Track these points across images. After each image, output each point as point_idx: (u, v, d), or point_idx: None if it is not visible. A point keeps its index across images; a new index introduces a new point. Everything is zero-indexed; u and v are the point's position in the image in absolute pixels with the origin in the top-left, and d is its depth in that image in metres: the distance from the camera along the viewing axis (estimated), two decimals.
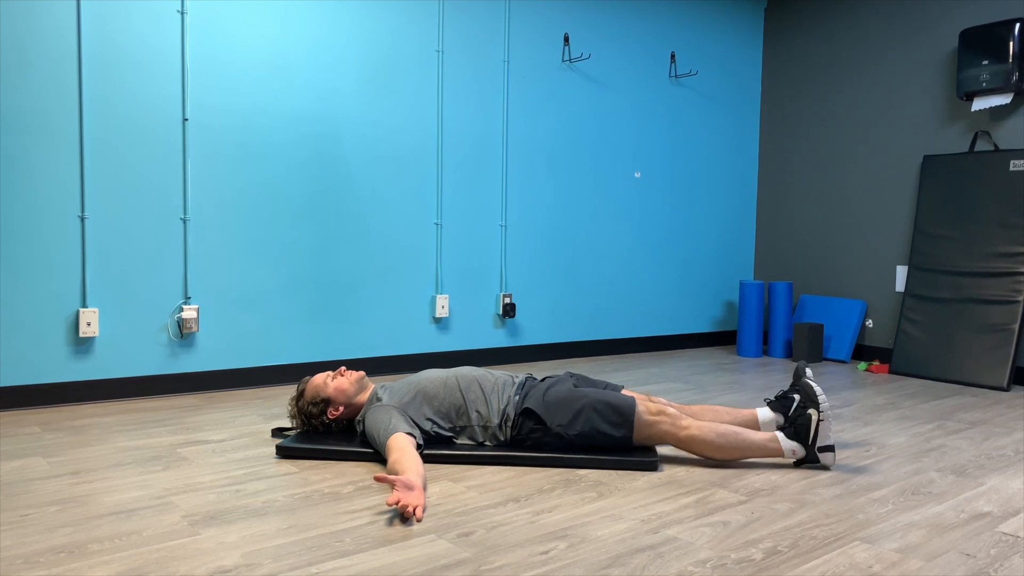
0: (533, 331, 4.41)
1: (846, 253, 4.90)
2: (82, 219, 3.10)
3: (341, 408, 2.53)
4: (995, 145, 4.18)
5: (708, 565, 1.67)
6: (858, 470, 2.41)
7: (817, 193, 5.05)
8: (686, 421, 2.38)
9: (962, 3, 4.32)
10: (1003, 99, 4.06)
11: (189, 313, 3.32)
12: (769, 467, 2.41)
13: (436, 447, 2.41)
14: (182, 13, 3.27)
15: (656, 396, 2.70)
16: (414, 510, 1.87)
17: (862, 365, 4.43)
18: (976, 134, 4.24)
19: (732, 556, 1.72)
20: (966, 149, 4.31)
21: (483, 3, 4.10)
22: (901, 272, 4.60)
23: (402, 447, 2.16)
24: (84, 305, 3.12)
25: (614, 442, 2.39)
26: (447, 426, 2.46)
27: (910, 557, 1.73)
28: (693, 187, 5.08)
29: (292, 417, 2.58)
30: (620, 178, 4.73)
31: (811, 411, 2.35)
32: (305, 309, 3.65)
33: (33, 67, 2.97)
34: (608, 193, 4.68)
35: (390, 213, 3.87)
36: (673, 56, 4.91)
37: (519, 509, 2.00)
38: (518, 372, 3.80)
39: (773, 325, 4.86)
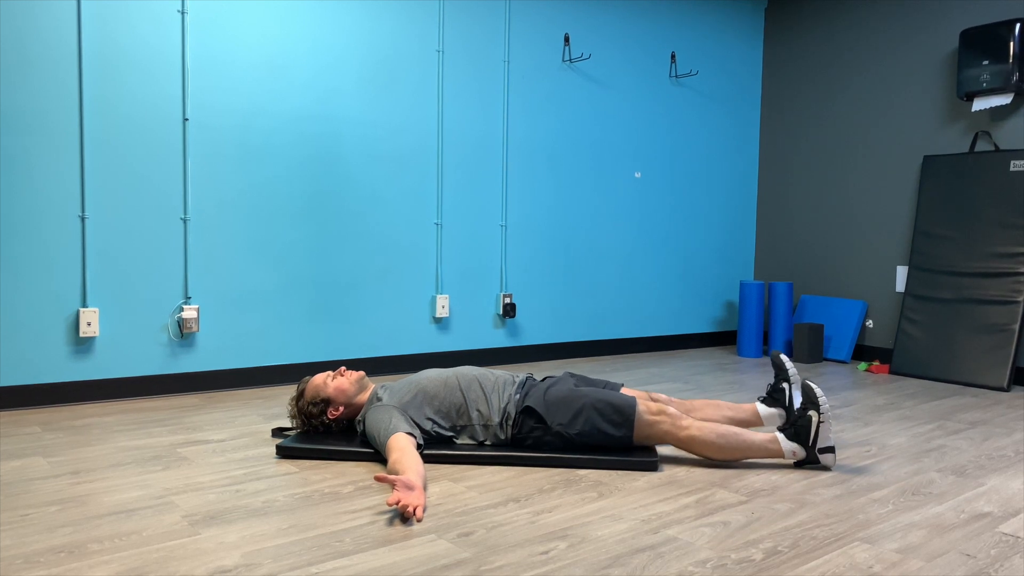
0: (533, 331, 4.41)
1: (846, 253, 4.90)
2: (82, 219, 3.10)
3: (341, 408, 2.53)
4: (995, 145, 4.18)
5: (708, 565, 1.67)
6: (858, 470, 2.41)
7: (817, 193, 5.05)
8: (686, 421, 2.38)
9: (962, 3, 4.32)
10: (1003, 99, 4.06)
11: (189, 313, 3.32)
12: (769, 467, 2.41)
13: (436, 447, 2.41)
14: (182, 13, 3.27)
15: (656, 393, 2.70)
16: (414, 510, 1.87)
17: (862, 365, 4.43)
18: (976, 134, 4.24)
19: (732, 556, 1.72)
20: (966, 149, 4.31)
21: (483, 3, 4.10)
22: (901, 272, 4.60)
23: (402, 447, 2.16)
24: (84, 305, 3.12)
25: (614, 441, 2.39)
26: (448, 425, 2.46)
27: (910, 557, 1.73)
28: (693, 187, 5.08)
29: (292, 417, 2.58)
30: (620, 178, 4.73)
31: (811, 412, 2.36)
32: (305, 309, 3.65)
33: (33, 67, 2.97)
34: (608, 193, 4.68)
35: (390, 213, 3.87)
36: (673, 56, 4.91)
37: (519, 509, 2.00)
38: (518, 372, 3.80)
39: (773, 325, 4.86)
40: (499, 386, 2.50)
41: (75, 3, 3.03)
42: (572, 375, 2.66)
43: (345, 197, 3.73)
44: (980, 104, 4.15)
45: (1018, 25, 3.94)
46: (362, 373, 2.59)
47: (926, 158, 4.43)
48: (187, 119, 3.30)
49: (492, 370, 2.60)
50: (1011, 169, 4.06)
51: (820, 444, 2.36)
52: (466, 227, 4.13)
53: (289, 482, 2.18)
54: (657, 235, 4.93)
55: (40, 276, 3.03)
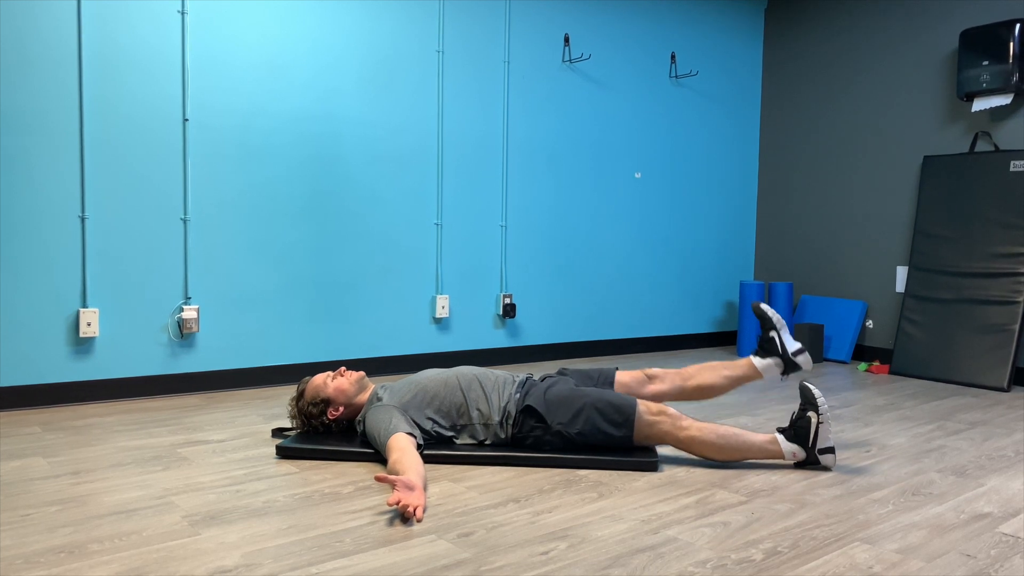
0: (533, 331, 4.41)
1: (846, 253, 4.90)
2: (82, 219, 3.10)
3: (341, 408, 2.53)
4: (995, 146, 4.18)
5: (708, 566, 1.67)
6: (858, 471, 2.41)
7: (817, 193, 5.05)
8: (686, 422, 2.38)
9: (962, 4, 4.32)
10: (1003, 100, 4.06)
11: (189, 313, 3.32)
12: (769, 468, 2.41)
13: (436, 447, 2.41)
14: (182, 13, 3.27)
15: (652, 369, 2.70)
16: (414, 510, 1.87)
17: (862, 366, 4.43)
18: (976, 135, 4.24)
19: (732, 556, 1.72)
20: (966, 150, 4.31)
21: (483, 3, 4.10)
22: (901, 272, 4.60)
23: (403, 447, 2.16)
24: (84, 305, 3.12)
25: (614, 441, 2.39)
26: (448, 425, 2.46)
27: (910, 558, 1.73)
28: (693, 187, 5.08)
29: (292, 417, 2.58)
30: (620, 178, 4.73)
31: (810, 413, 2.36)
32: (305, 309, 3.65)
33: (33, 67, 2.97)
34: (608, 193, 4.68)
35: (390, 213, 3.87)
36: (673, 56, 4.91)
37: (519, 509, 2.00)
38: (519, 372, 3.80)
39: None
40: (499, 385, 2.50)
41: (75, 3, 3.03)
42: (565, 371, 2.66)
43: (345, 197, 3.73)
44: (980, 104, 4.15)
45: (1018, 25, 3.94)
46: (362, 373, 2.59)
47: (926, 158, 4.43)
48: (187, 119, 3.30)
49: (492, 370, 2.61)
50: (1011, 169, 4.06)
51: (820, 445, 2.36)
52: (466, 227, 4.13)
53: (289, 482, 2.18)
54: (657, 235, 4.93)
55: (40, 276, 3.03)
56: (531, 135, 4.33)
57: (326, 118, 3.65)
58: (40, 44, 2.98)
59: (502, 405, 2.45)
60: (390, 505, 1.84)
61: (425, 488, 2.10)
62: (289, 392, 3.44)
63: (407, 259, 3.93)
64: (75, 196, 3.08)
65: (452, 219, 4.07)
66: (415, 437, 2.27)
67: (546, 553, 1.72)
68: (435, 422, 2.45)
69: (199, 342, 3.39)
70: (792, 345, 2.63)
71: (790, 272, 5.22)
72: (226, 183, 3.42)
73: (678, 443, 2.39)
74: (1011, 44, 3.96)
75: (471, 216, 4.14)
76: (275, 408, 3.12)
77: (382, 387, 2.54)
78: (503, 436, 2.45)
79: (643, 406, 2.39)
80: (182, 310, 3.32)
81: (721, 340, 5.31)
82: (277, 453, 2.43)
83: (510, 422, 2.44)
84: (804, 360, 2.61)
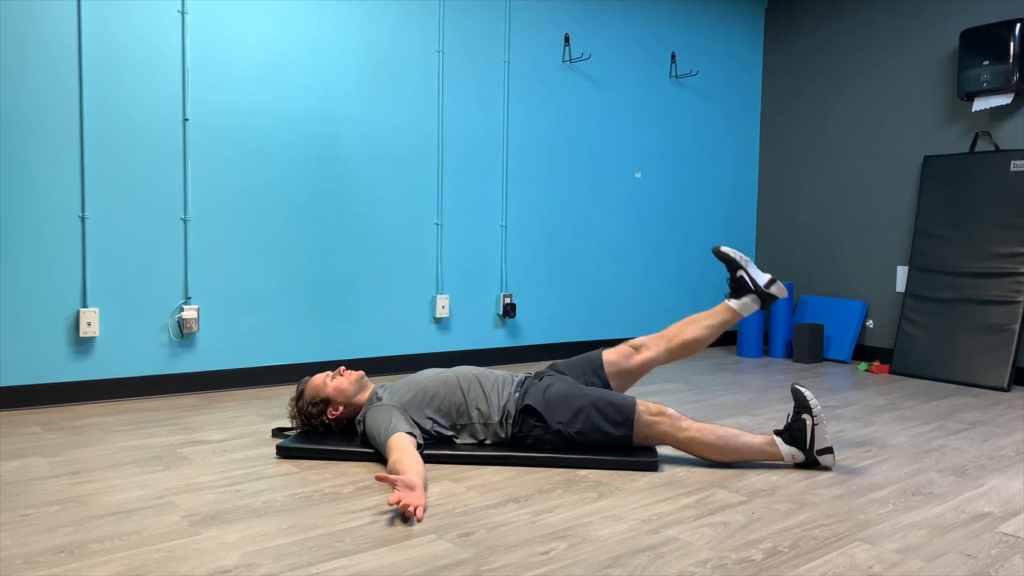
0: (533, 331, 4.41)
1: (847, 253, 4.90)
2: (82, 219, 3.10)
3: (341, 408, 2.53)
4: (996, 146, 4.18)
5: (708, 565, 1.67)
6: (858, 471, 2.41)
7: (817, 193, 5.05)
8: (686, 423, 2.38)
9: (962, 3, 4.32)
10: (1004, 99, 4.06)
11: (189, 313, 3.32)
12: (769, 467, 2.41)
13: (436, 447, 2.41)
14: (182, 13, 3.27)
15: (637, 339, 2.69)
16: (415, 510, 1.87)
17: (862, 365, 4.43)
18: (977, 135, 4.24)
19: (732, 556, 1.72)
20: (967, 150, 4.31)
21: (483, 3, 4.10)
22: (901, 272, 4.60)
23: (403, 447, 2.16)
24: (84, 305, 3.12)
25: (614, 440, 2.39)
26: (448, 424, 2.46)
27: (911, 557, 1.73)
28: (693, 187, 5.08)
29: (292, 417, 2.58)
30: (620, 178, 4.73)
31: (805, 416, 2.36)
32: (305, 309, 3.65)
33: (33, 67, 2.97)
34: (609, 193, 4.68)
35: (390, 213, 3.87)
36: (673, 56, 4.91)
37: (519, 509, 2.00)
38: (518, 372, 3.80)
39: (773, 325, 4.86)
40: (499, 385, 2.50)
41: (75, 3, 3.03)
42: (556, 365, 2.67)
43: (345, 197, 3.73)
44: (980, 104, 4.15)
45: (1018, 25, 3.94)
46: (361, 373, 2.59)
47: (926, 158, 4.43)
48: (187, 119, 3.30)
49: (492, 370, 2.60)
50: (1011, 169, 4.06)
51: (817, 446, 2.36)
52: (466, 227, 4.13)
53: (289, 482, 2.18)
54: (657, 235, 4.93)
55: (40, 276, 3.03)
56: (531, 135, 4.33)
57: (326, 118, 3.65)
58: (40, 44, 2.98)
59: (502, 404, 2.45)
60: (390, 505, 1.84)
61: (425, 488, 2.10)
62: (289, 392, 3.44)
63: (407, 259, 3.93)
64: (75, 196, 3.08)
65: (452, 219, 4.07)
66: (415, 437, 2.27)
67: (546, 553, 1.72)
68: (435, 422, 2.45)
69: (199, 342, 3.39)
70: (762, 278, 2.66)
71: (790, 272, 5.22)
72: (226, 183, 3.42)
73: (677, 443, 2.39)
74: (1011, 44, 3.96)
75: (471, 216, 4.14)
76: (275, 408, 3.12)
77: (382, 387, 2.54)
78: (503, 436, 2.45)
79: (642, 406, 2.39)
80: (182, 310, 3.32)
81: (721, 340, 5.31)
82: (277, 453, 2.43)
83: (510, 421, 2.44)
84: (778, 289, 2.65)
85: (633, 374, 2.68)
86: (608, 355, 2.67)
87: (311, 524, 1.87)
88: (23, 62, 2.95)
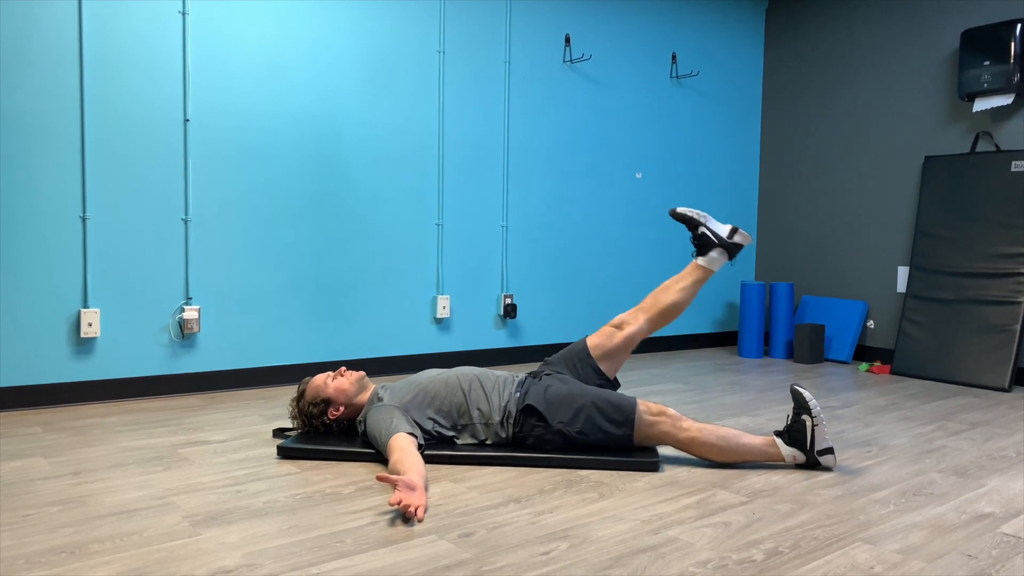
0: (534, 332, 4.41)
1: (847, 254, 4.90)
2: (83, 219, 3.10)
3: (342, 408, 2.53)
4: (996, 146, 4.17)
5: (709, 566, 1.67)
6: (859, 471, 2.41)
7: (818, 194, 5.05)
8: (687, 423, 2.38)
9: (963, 4, 4.32)
10: (1004, 100, 4.05)
11: (190, 313, 3.32)
12: (770, 468, 2.41)
13: (437, 447, 2.41)
14: (183, 14, 3.27)
15: (620, 316, 2.70)
16: (416, 510, 1.87)
17: (863, 366, 4.43)
18: (977, 135, 4.24)
19: (733, 557, 1.72)
20: (967, 150, 4.30)
21: (484, 4, 4.10)
22: (902, 273, 4.60)
23: (404, 447, 2.16)
24: (85, 305, 3.12)
25: (615, 440, 2.39)
26: (449, 424, 2.46)
27: (911, 558, 1.73)
28: (694, 188, 5.08)
29: (293, 418, 2.58)
30: (621, 179, 4.73)
31: (804, 417, 2.36)
32: (306, 309, 3.65)
33: (34, 67, 2.97)
34: (609, 194, 4.68)
35: (391, 213, 3.87)
36: (674, 57, 4.91)
37: (520, 510, 2.00)
38: (519, 372, 3.80)
39: (774, 326, 4.86)
40: (499, 385, 2.50)
41: (76, 4, 3.04)
42: (548, 361, 2.67)
43: (346, 198, 3.73)
44: (981, 104, 4.15)
45: (1019, 26, 3.94)
46: (362, 373, 2.59)
47: (927, 158, 4.43)
48: (188, 120, 3.30)
49: (492, 370, 2.61)
50: (1012, 170, 4.05)
51: (818, 447, 2.36)
52: (467, 228, 4.13)
53: (290, 482, 2.18)
54: (658, 235, 4.93)
55: (41, 276, 3.03)
56: (532, 135, 4.33)
57: (327, 118, 3.65)
58: (41, 45, 2.98)
59: (502, 405, 2.45)
60: (391, 505, 1.84)
61: (426, 488, 2.10)
62: (290, 392, 3.44)
63: (408, 259, 3.93)
64: (76, 196, 3.08)
65: (453, 219, 4.07)
66: (416, 437, 2.27)
67: (547, 553, 1.72)
68: (436, 422, 2.45)
69: (200, 342, 3.39)
70: (723, 229, 2.68)
71: (791, 272, 5.22)
72: (227, 183, 3.42)
73: (678, 444, 2.39)
74: (1012, 44, 3.95)
75: (472, 216, 4.14)
76: (276, 408, 3.12)
77: (383, 387, 2.54)
78: (504, 436, 2.45)
79: (643, 406, 2.39)
80: (183, 310, 3.33)
81: (722, 341, 5.31)
82: (278, 453, 2.43)
83: (511, 421, 2.44)
84: (741, 237, 2.66)
85: (620, 351, 2.68)
86: (592, 340, 2.68)
87: (312, 524, 1.87)
88: (24, 63, 2.95)
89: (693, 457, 2.48)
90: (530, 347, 4.38)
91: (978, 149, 4.25)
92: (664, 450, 2.55)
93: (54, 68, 3.01)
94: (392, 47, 3.82)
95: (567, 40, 4.41)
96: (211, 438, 2.65)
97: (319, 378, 2.56)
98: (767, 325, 5.16)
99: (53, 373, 3.07)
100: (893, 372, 4.31)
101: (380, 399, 2.47)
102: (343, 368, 2.58)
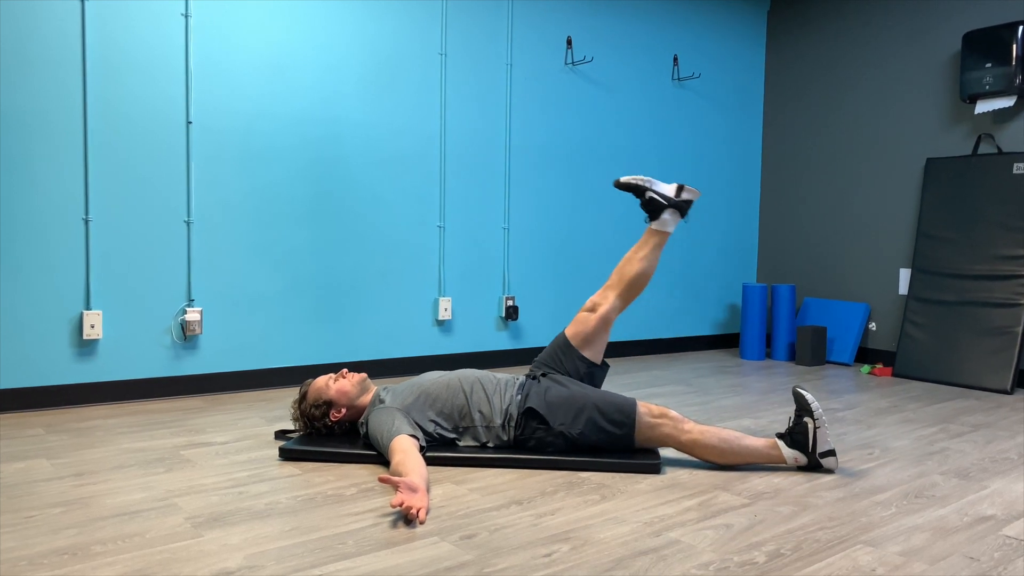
0: (536, 334, 4.41)
1: (849, 256, 4.89)
2: (86, 221, 3.11)
3: (344, 410, 2.53)
4: (998, 148, 4.17)
5: (711, 568, 1.67)
6: (861, 473, 2.41)
7: (820, 196, 5.05)
8: (688, 425, 2.38)
9: (965, 6, 4.32)
10: (1006, 102, 4.05)
11: (192, 315, 3.33)
12: (772, 470, 2.41)
13: (439, 449, 2.41)
14: (186, 16, 3.28)
15: (595, 300, 2.69)
16: (417, 512, 1.87)
17: (865, 368, 4.42)
18: (979, 137, 4.24)
19: (735, 559, 1.72)
20: (969, 152, 4.30)
21: (486, 6, 4.11)
22: (904, 275, 4.59)
23: (406, 449, 2.16)
24: (88, 307, 3.13)
25: (616, 440, 2.39)
26: (450, 427, 2.46)
27: (913, 560, 1.73)
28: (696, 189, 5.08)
29: (295, 420, 2.58)
30: None
31: (806, 419, 2.36)
32: (308, 311, 3.65)
33: (37, 70, 2.98)
34: (611, 195, 4.68)
35: (393, 215, 3.87)
36: (676, 59, 4.91)
37: (522, 511, 2.00)
38: (520, 375, 3.80)
39: (776, 328, 4.86)
40: (501, 388, 2.50)
41: (79, 6, 3.04)
42: (536, 363, 2.66)
43: (348, 199, 3.73)
44: (983, 107, 4.15)
45: (1021, 28, 3.94)
46: (364, 375, 2.59)
47: (929, 160, 4.43)
48: (190, 122, 3.31)
49: (494, 372, 2.61)
50: (1014, 172, 4.05)
51: (820, 449, 2.36)
52: (469, 229, 4.13)
53: (292, 484, 2.19)
54: None
55: (44, 278, 3.03)
56: (533, 138, 4.34)
57: (329, 121, 3.66)
58: (44, 47, 2.99)
59: (504, 407, 2.45)
60: (393, 507, 1.84)
61: (428, 490, 2.10)
62: (292, 394, 3.44)
63: (409, 261, 3.94)
64: (79, 198, 3.09)
65: (454, 221, 4.08)
66: (418, 439, 2.27)
67: (549, 555, 1.72)
68: (437, 424, 2.45)
69: (202, 344, 3.39)
70: (670, 189, 2.70)
71: (793, 274, 5.22)
72: (229, 185, 3.42)
73: (680, 446, 2.39)
74: (1014, 46, 3.95)
75: (473, 218, 4.14)
76: (278, 410, 3.12)
77: (384, 389, 2.54)
78: (505, 438, 2.45)
79: (644, 408, 2.39)
80: (185, 312, 3.33)
81: (724, 343, 5.31)
82: (280, 455, 2.43)
83: (512, 424, 2.44)
84: (689, 193, 2.69)
85: (598, 333, 2.64)
86: (570, 330, 2.65)
87: (314, 526, 1.87)
88: (27, 65, 2.96)
89: (694, 459, 2.48)
90: (532, 349, 4.38)
91: (980, 151, 4.25)
92: (666, 452, 2.55)
93: (57, 70, 3.02)
94: (394, 49, 3.83)
95: (569, 42, 4.41)
96: (213, 440, 2.66)
97: (321, 380, 2.56)
98: (769, 327, 5.15)
99: (55, 375, 3.08)
100: (895, 374, 4.31)
101: (382, 401, 2.47)
102: (345, 370, 2.58)
